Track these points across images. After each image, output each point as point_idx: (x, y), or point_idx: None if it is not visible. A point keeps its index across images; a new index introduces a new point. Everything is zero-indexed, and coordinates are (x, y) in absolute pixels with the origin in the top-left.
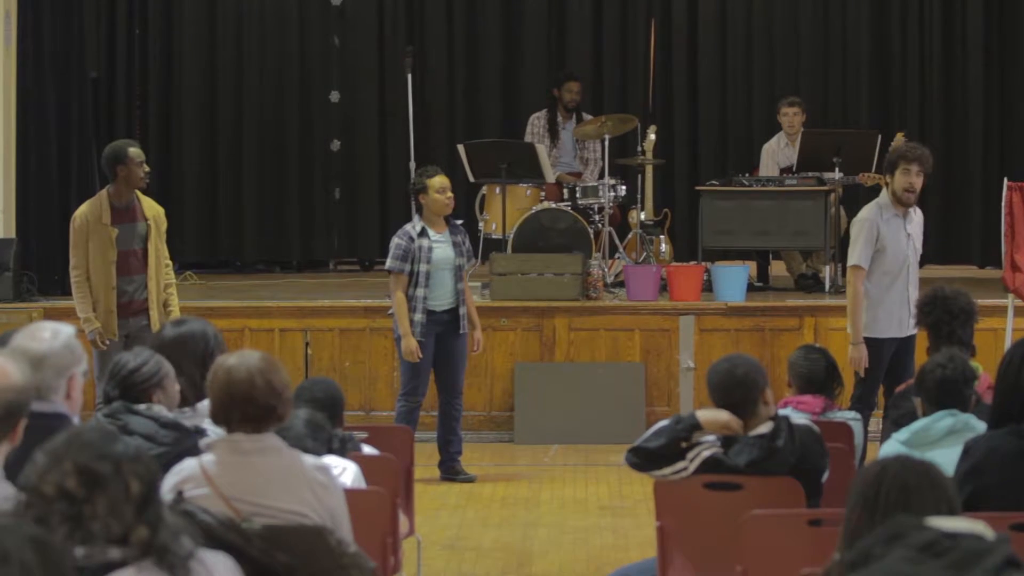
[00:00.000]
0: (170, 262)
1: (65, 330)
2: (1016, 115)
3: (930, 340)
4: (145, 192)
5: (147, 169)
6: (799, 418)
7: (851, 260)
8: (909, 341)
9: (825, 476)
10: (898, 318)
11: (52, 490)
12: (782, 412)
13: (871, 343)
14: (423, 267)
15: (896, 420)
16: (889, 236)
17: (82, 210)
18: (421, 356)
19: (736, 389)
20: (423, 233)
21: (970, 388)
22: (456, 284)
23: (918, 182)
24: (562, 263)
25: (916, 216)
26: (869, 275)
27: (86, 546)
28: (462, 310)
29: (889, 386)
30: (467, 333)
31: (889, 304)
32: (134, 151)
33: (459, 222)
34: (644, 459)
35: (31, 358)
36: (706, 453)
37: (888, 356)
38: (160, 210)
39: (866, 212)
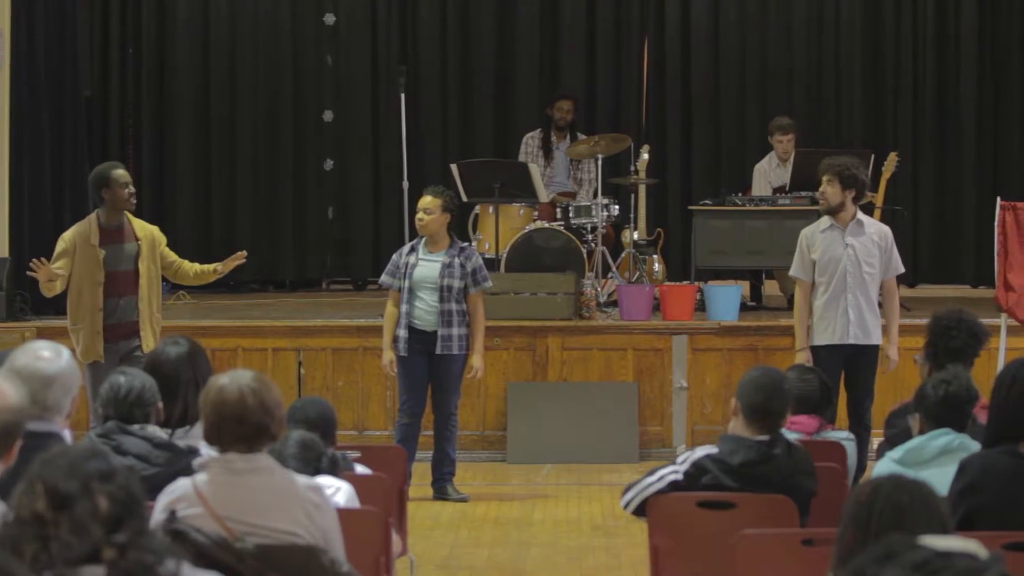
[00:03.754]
0: (178, 260)
1: (64, 350)
2: (1009, 135)
3: (942, 360)
4: (137, 211)
5: (132, 191)
6: (791, 437)
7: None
8: (865, 351)
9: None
10: (833, 327)
11: (26, 513)
12: None
13: (812, 350)
14: (406, 284)
15: (891, 439)
16: (822, 248)
17: (70, 232)
18: (394, 371)
19: (778, 399)
20: (413, 250)
21: (972, 407)
22: (439, 305)
23: (829, 190)
24: (555, 283)
25: (868, 230)
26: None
27: (51, 570)
28: (442, 331)
29: (851, 400)
30: (458, 355)
31: (823, 313)
32: (117, 173)
33: (465, 244)
34: (636, 486)
35: (41, 378)
36: (699, 454)
37: (834, 365)
38: (152, 230)
39: (805, 228)
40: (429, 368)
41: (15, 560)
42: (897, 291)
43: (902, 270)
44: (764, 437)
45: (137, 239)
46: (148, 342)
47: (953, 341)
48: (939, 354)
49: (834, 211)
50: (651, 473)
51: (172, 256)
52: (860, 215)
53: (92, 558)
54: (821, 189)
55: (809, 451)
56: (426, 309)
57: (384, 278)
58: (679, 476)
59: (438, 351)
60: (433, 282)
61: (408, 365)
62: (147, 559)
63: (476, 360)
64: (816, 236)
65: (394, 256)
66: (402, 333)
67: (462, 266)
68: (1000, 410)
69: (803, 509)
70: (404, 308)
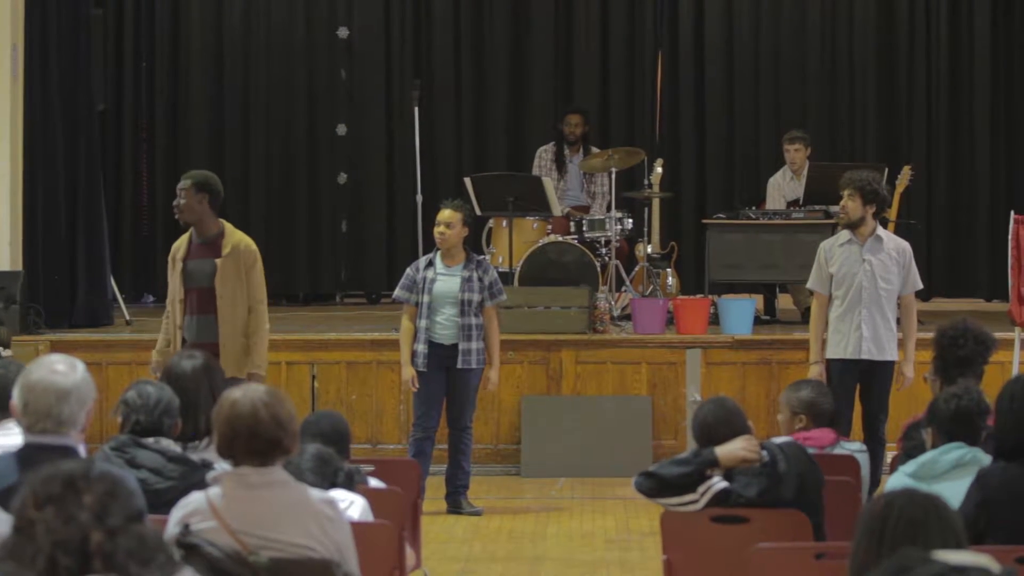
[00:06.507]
0: (258, 306)
1: (78, 363)
2: (1023, 148)
3: (952, 372)
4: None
5: (177, 201)
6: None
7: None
8: (879, 367)
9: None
10: (846, 342)
11: (21, 522)
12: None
13: (826, 363)
14: (425, 298)
15: (908, 451)
16: (840, 261)
17: (175, 244)
18: (416, 386)
19: (735, 418)
20: (430, 264)
21: (983, 420)
22: (460, 319)
23: (850, 204)
24: (569, 296)
25: (887, 245)
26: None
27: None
28: (463, 345)
29: (866, 414)
30: (476, 369)
31: (837, 326)
32: (180, 183)
33: (481, 257)
34: (657, 485)
35: (56, 392)
36: (717, 487)
37: (848, 379)
38: (245, 245)
39: (824, 240)
40: (446, 382)
41: (25, 573)
42: (915, 307)
43: (920, 286)
44: (762, 457)
45: (220, 256)
46: (228, 367)
47: (961, 350)
48: (948, 366)
49: (854, 225)
50: (672, 486)
51: (253, 293)
52: (880, 230)
53: (82, 548)
54: (842, 203)
55: (802, 447)
56: (445, 323)
57: (399, 293)
58: (698, 508)
59: (459, 365)
60: (454, 296)
61: (426, 380)
62: (134, 547)
63: (493, 373)
64: (834, 249)
65: (408, 270)
66: (420, 348)
67: (480, 279)
68: (1007, 425)
69: (816, 507)
70: (423, 323)
